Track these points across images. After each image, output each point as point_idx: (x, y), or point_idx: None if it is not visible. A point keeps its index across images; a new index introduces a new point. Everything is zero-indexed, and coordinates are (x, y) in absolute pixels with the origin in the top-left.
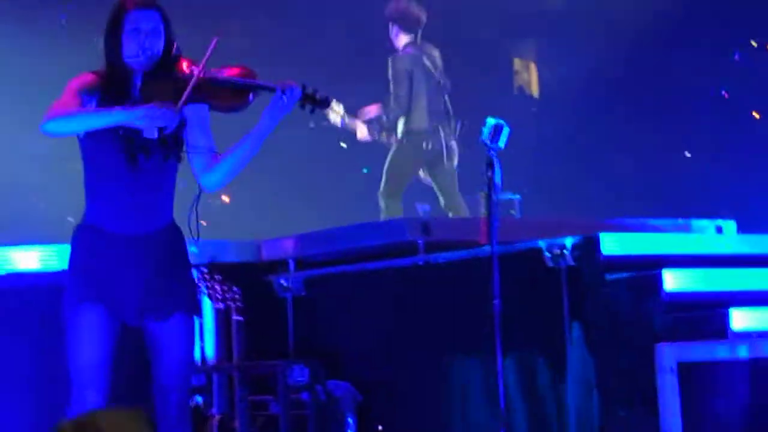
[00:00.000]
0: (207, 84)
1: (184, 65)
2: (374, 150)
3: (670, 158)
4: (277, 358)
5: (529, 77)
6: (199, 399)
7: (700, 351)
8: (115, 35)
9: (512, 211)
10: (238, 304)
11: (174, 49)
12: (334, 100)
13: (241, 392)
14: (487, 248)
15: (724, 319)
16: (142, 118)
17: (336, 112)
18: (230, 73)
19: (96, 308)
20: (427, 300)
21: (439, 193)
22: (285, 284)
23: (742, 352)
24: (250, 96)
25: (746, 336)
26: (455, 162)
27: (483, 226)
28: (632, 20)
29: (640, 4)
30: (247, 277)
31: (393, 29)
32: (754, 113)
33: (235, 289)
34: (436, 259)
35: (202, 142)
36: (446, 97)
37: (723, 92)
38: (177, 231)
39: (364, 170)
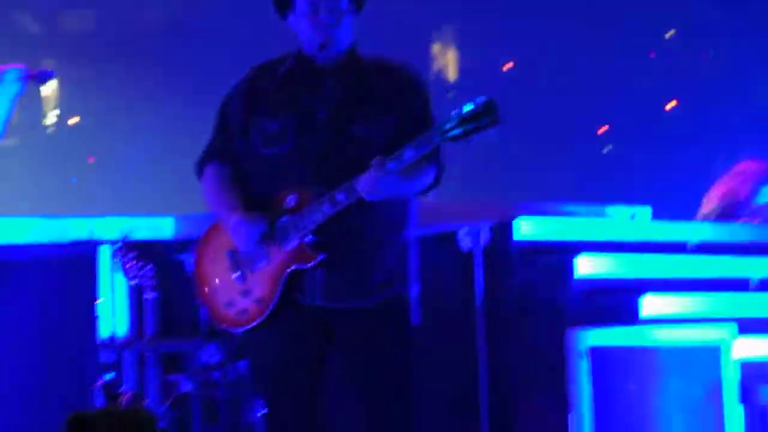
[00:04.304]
0: None
1: None
2: None
3: (587, 145)
4: (190, 337)
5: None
6: (109, 376)
7: (611, 336)
8: None
9: None
10: (152, 281)
11: None
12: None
13: (152, 370)
14: None
15: (635, 304)
16: None
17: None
18: None
19: None
20: None
21: None
22: None
23: (652, 337)
24: None
25: (656, 322)
26: None
27: None
28: None
29: None
30: (161, 255)
31: None
32: (670, 104)
33: (148, 266)
34: None
35: None
36: None
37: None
38: None
39: None
